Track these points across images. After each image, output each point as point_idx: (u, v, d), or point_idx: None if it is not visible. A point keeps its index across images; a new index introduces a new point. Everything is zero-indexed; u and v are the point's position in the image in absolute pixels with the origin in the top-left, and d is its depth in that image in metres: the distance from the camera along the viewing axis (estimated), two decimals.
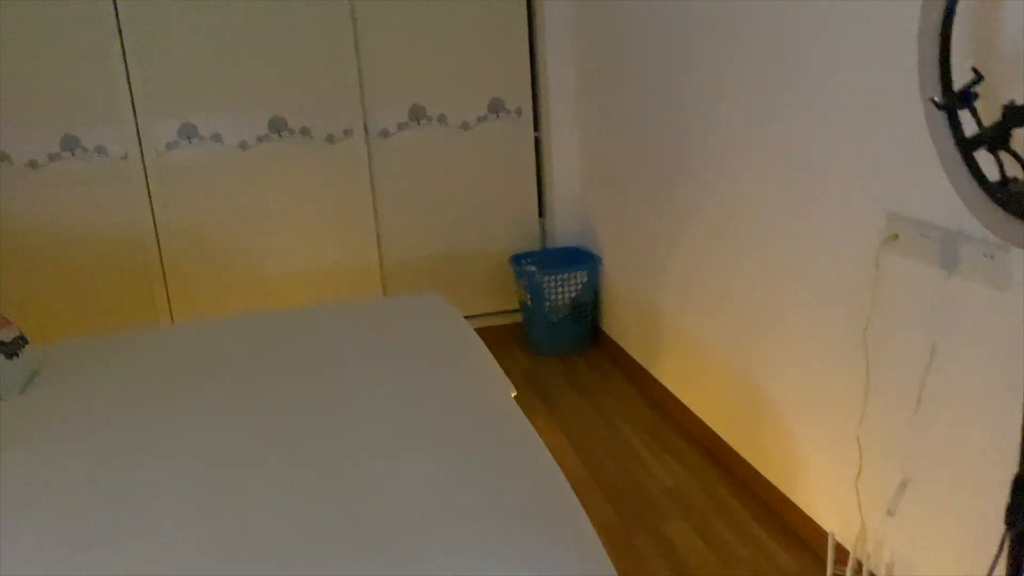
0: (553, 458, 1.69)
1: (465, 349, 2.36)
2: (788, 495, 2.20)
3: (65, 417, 1.97)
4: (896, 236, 1.66)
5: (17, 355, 2.17)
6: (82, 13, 3.02)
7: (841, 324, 1.88)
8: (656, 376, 3.02)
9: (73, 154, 3.14)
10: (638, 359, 3.18)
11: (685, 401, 2.78)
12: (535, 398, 3.12)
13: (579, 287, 3.44)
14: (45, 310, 3.24)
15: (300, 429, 1.79)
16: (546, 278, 3.39)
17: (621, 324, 3.35)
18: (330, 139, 3.36)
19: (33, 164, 3.11)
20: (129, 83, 3.11)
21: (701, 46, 2.38)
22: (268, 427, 1.82)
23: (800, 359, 2.07)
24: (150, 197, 3.24)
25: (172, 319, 3.36)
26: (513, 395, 2.78)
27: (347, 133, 3.37)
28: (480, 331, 3.55)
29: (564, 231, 3.66)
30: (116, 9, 3.04)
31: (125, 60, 3.09)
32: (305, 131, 3.33)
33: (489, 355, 2.58)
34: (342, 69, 3.30)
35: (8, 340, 2.16)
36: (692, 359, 2.70)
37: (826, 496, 2.03)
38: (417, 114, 3.44)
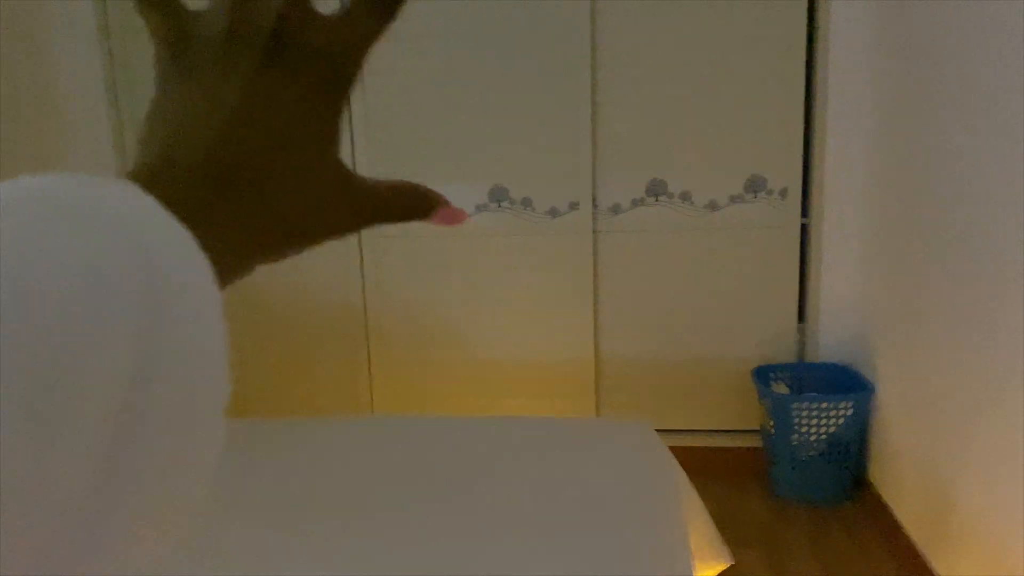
0: None
1: (661, 504, 1.85)
2: None
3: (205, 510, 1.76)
4: None
5: None
6: None
7: None
8: (936, 570, 2.19)
9: None
10: (914, 537, 2.36)
11: None
12: (761, 561, 2.43)
13: (841, 421, 2.68)
14: (244, 373, 3.17)
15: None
16: (796, 404, 2.68)
17: (895, 481, 2.54)
18: (553, 212, 2.95)
19: None
20: (352, 141, 2.96)
21: None
22: (411, 555, 1.55)
23: None
24: (362, 263, 3.06)
25: (371, 386, 3.14)
26: (727, 567, 2.16)
27: (573, 207, 2.94)
28: (708, 453, 2.91)
29: (829, 344, 2.90)
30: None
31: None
32: (527, 202, 2.95)
33: (701, 515, 2.02)
34: (574, 133, 2.87)
35: None
36: (998, 569, 1.88)
37: None
38: (656, 189, 2.92)
